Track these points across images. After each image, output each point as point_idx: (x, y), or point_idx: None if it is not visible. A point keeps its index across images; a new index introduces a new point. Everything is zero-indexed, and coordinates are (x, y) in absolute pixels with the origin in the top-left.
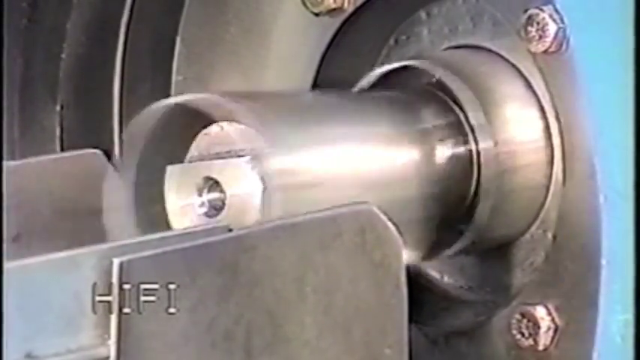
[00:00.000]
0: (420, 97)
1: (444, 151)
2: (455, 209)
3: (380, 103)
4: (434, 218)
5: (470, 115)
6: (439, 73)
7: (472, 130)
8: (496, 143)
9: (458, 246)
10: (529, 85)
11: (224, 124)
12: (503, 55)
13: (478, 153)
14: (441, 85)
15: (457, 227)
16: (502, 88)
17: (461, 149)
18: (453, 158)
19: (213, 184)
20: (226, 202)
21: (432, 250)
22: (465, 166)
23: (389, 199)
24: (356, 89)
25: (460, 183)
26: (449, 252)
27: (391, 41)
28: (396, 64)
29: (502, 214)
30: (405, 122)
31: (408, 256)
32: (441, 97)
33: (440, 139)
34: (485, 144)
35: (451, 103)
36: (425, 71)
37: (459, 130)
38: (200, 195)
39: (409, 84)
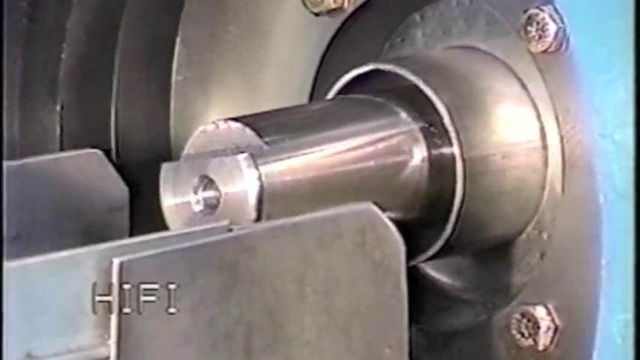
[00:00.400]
0: (396, 99)
1: (426, 154)
2: (439, 211)
3: (366, 106)
4: (417, 220)
5: (448, 116)
6: (414, 76)
7: (451, 132)
8: (482, 145)
9: (438, 246)
10: (523, 86)
11: (220, 122)
12: (496, 55)
13: (462, 155)
14: (417, 89)
15: (441, 228)
16: (495, 89)
17: (442, 152)
18: (436, 160)
19: (209, 182)
20: (222, 200)
21: (414, 251)
22: (448, 169)
23: (377, 200)
24: (332, 91)
25: (444, 185)
26: (430, 252)
27: (386, 45)
28: (368, 68)
29: (495, 215)
30: (383, 125)
31: None
32: (418, 100)
33: (420, 141)
34: (467, 145)
35: (429, 107)
36: (399, 75)
37: (440, 133)
38: (195, 193)
39: (386, 87)
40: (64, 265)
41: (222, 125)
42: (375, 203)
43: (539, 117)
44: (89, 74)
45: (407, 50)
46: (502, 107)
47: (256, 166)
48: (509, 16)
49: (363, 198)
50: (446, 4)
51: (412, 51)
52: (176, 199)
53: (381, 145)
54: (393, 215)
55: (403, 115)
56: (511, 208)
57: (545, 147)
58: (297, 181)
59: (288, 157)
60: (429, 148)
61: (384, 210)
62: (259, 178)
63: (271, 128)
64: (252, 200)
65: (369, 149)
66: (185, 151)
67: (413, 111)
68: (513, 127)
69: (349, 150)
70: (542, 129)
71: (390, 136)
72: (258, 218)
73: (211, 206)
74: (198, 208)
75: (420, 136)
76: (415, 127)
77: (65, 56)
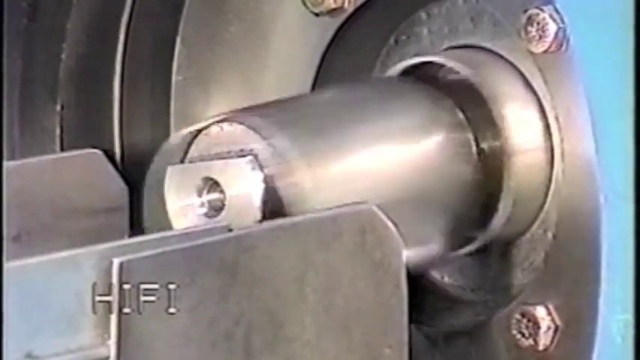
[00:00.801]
0: (452, 93)
1: (471, 149)
2: (470, 214)
3: (395, 99)
4: (450, 221)
5: (490, 113)
6: (463, 70)
7: (493, 129)
8: (502, 144)
9: (469, 248)
10: (529, 86)
11: (224, 124)
12: (503, 55)
13: (503, 152)
14: (469, 83)
15: (470, 231)
16: (503, 89)
17: (490, 147)
18: (480, 157)
19: (213, 184)
20: (226, 202)
21: (448, 251)
22: (495, 166)
23: (394, 199)
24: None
25: (488, 181)
26: (460, 253)
27: (391, 41)
28: (422, 59)
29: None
30: (429, 117)
31: (420, 257)
32: (472, 94)
33: (468, 137)
34: (497, 144)
35: (479, 101)
36: (449, 68)
37: (489, 127)
38: (200, 195)
39: (431, 79)
40: (64, 265)
41: (226, 127)
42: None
43: (544, 117)
44: (89, 74)
45: (412, 48)
46: (511, 106)
47: (261, 169)
48: (509, 17)
49: (376, 199)
50: (452, 2)
51: (418, 48)
52: (180, 201)
53: (398, 148)
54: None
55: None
56: (519, 207)
57: (550, 146)
58: (304, 182)
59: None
60: (467, 146)
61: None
62: (264, 180)
63: (275, 129)
64: (257, 202)
65: (387, 150)
66: (189, 154)
67: (455, 107)
68: (522, 126)
69: (366, 150)
70: (547, 128)
71: (410, 136)
72: (263, 220)
73: (216, 209)
74: (202, 210)
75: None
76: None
77: (65, 56)
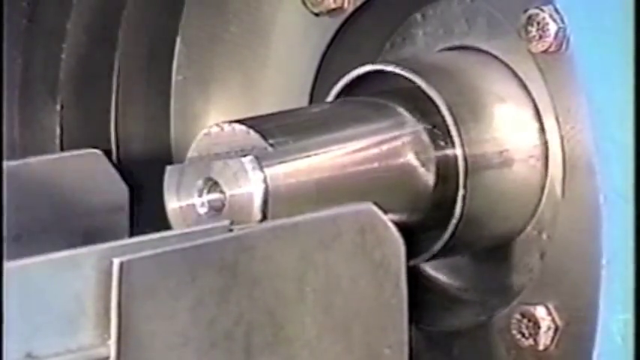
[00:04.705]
0: (400, 101)
1: (425, 154)
2: (439, 210)
3: (370, 108)
4: (422, 220)
5: (450, 117)
6: (416, 77)
7: (453, 133)
8: (483, 145)
9: (439, 245)
10: (523, 86)
11: (224, 124)
12: (497, 55)
13: (464, 155)
14: (419, 89)
15: (442, 229)
16: (495, 89)
17: (443, 152)
18: (436, 160)
19: (214, 184)
20: (226, 202)
21: (416, 251)
22: (449, 169)
23: (383, 202)
24: (333, 92)
25: (447, 185)
26: (432, 252)
27: (387, 44)
28: (369, 68)
29: (494, 215)
30: (388, 127)
31: None
32: (420, 101)
33: (421, 142)
34: (468, 146)
35: (431, 107)
36: (403, 76)
37: (440, 133)
38: (200, 196)
39: (388, 88)
40: (64, 265)
41: (226, 128)
42: (380, 205)
43: (539, 117)
44: (89, 74)
45: (408, 50)
46: (502, 108)
47: (261, 169)
48: (509, 17)
49: (368, 200)
50: (447, 4)
51: (413, 50)
52: (181, 201)
53: (386, 147)
54: (398, 217)
55: (408, 116)
56: (511, 207)
57: (545, 147)
58: (302, 183)
59: (293, 159)
60: (434, 149)
61: (386, 212)
62: (264, 180)
63: (275, 130)
64: (258, 202)
65: (374, 151)
66: (189, 154)
67: (415, 112)
68: (513, 128)
69: (354, 152)
70: (542, 129)
71: (396, 138)
72: (263, 220)
73: (216, 209)
74: (202, 210)
75: (425, 137)
76: (420, 128)
77: (65, 56)
